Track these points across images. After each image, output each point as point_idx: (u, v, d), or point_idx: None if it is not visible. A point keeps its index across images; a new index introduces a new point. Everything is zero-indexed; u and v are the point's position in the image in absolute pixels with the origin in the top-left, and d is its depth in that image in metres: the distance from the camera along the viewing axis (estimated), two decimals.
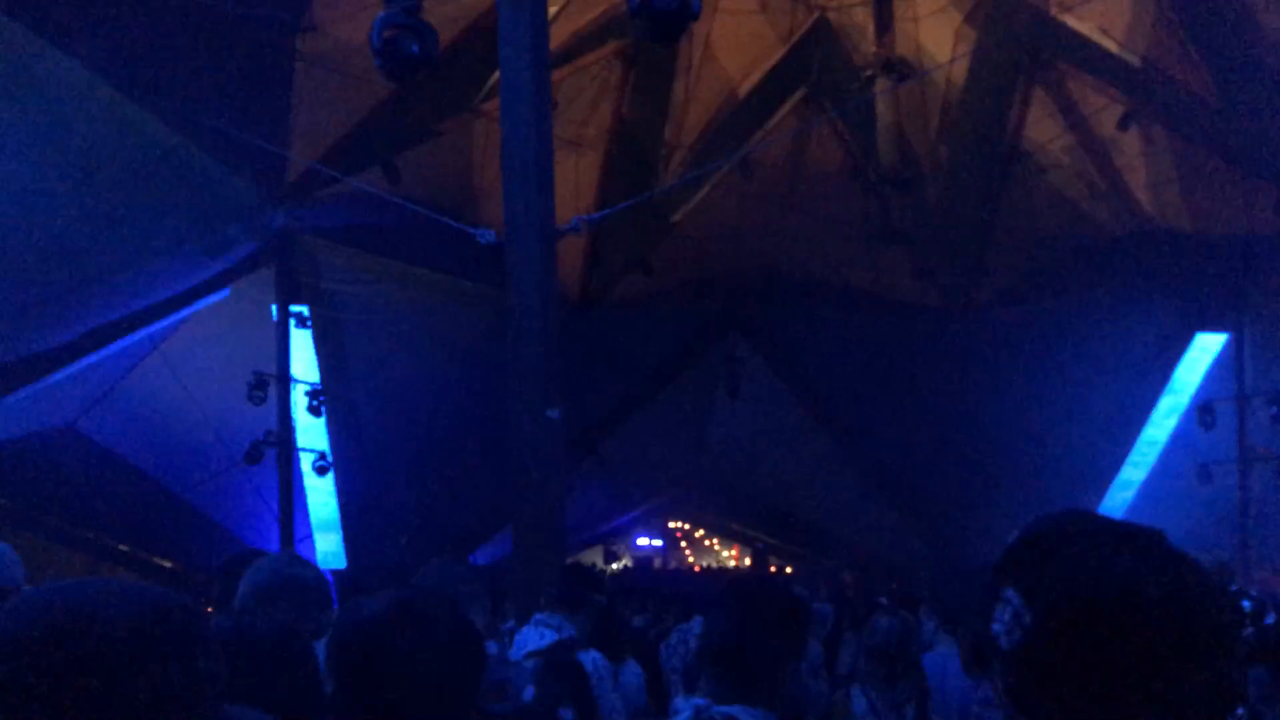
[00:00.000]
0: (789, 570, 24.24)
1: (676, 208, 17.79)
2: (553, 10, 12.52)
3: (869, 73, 16.55)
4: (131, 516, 16.98)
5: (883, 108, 17.23)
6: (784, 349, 19.07)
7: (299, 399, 15.69)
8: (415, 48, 7.71)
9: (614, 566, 26.83)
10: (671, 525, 30.29)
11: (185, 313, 15.00)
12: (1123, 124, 15.77)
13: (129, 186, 12.40)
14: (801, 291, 18.31)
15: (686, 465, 21.11)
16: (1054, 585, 1.29)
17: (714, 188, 17.61)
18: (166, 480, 17.14)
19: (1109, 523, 1.36)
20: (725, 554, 31.96)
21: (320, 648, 2.36)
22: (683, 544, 32.09)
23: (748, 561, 28.97)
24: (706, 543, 32.25)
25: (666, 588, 17.05)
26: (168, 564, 17.71)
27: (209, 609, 3.78)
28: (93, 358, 14.60)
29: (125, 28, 11.44)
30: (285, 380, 15.48)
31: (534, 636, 4.98)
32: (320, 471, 16.33)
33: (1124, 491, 18.39)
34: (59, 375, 14.41)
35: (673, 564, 30.23)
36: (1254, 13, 14.26)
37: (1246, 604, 6.75)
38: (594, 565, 24.13)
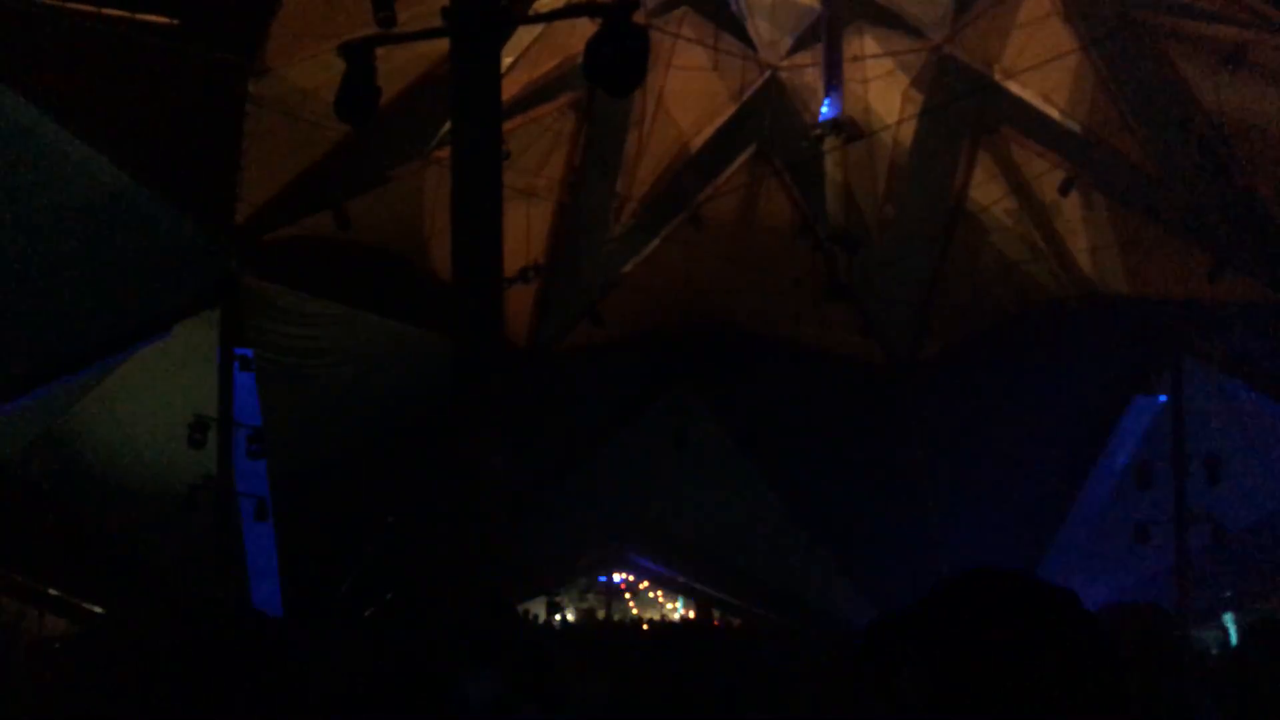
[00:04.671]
0: (736, 624, 24.09)
1: (627, 259, 17.89)
2: (507, 61, 12.61)
3: (818, 132, 16.81)
4: (64, 560, 16.55)
5: (831, 166, 17.49)
6: (731, 401, 19.11)
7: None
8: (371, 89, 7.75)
9: (556, 619, 26.51)
10: (615, 577, 30.06)
11: (127, 354, 14.77)
12: (1064, 189, 16.12)
13: (73, 225, 12.26)
14: (749, 345, 18.42)
15: (632, 516, 21.01)
16: (952, 648, 1.31)
17: (664, 240, 17.74)
18: (101, 524, 16.74)
19: (1018, 583, 1.36)
20: (669, 606, 31.74)
21: None
22: (626, 595, 31.83)
23: (690, 614, 28.78)
24: (650, 595, 32.03)
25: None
26: (99, 610, 17.26)
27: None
28: (30, 397, 14.32)
29: (75, 67, 11.37)
30: (226, 424, 15.25)
31: None
32: (259, 517, 16.04)
33: (1063, 548, 18.50)
34: None
35: (616, 617, 29.93)
36: (1190, 86, 14.73)
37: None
38: (527, 613, 23.78)
